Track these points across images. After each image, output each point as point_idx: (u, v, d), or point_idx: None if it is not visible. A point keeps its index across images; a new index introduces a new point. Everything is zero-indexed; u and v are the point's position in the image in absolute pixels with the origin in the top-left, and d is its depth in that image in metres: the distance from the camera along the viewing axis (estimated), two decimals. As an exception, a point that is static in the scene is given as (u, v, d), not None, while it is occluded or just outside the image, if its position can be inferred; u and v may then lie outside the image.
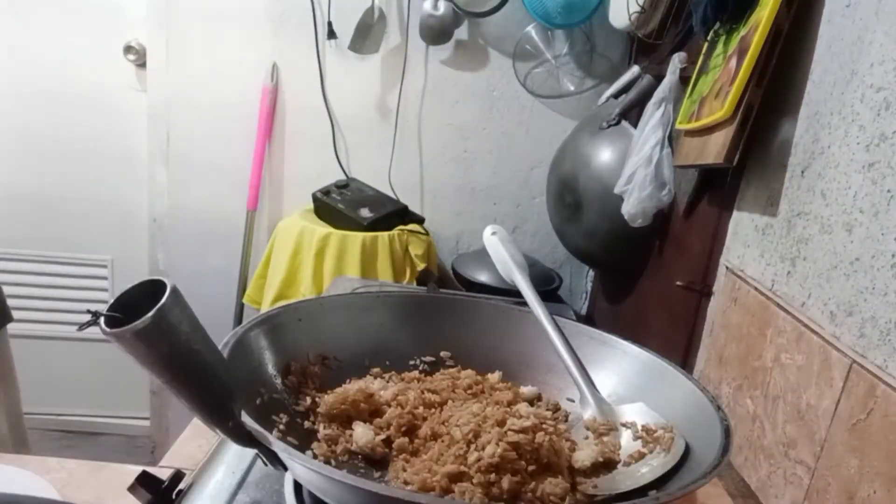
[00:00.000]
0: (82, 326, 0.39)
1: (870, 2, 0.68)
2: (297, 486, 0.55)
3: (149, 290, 0.37)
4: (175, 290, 0.37)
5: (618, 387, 0.65)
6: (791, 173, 0.79)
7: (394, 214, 1.85)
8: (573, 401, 0.66)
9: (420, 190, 2.06)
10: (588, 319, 1.97)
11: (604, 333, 0.69)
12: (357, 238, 1.75)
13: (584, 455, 0.55)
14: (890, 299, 0.57)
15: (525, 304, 0.72)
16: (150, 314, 0.35)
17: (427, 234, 1.91)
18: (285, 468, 0.45)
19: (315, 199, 1.88)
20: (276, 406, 0.57)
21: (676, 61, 1.18)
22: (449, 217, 2.08)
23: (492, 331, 0.72)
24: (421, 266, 1.83)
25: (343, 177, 1.99)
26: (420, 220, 1.91)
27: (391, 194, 1.98)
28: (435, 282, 1.53)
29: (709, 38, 1.01)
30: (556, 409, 0.66)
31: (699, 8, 0.96)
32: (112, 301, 0.38)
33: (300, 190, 1.97)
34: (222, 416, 0.43)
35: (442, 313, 0.74)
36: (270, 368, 0.59)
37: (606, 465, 0.56)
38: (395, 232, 1.81)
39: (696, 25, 1.00)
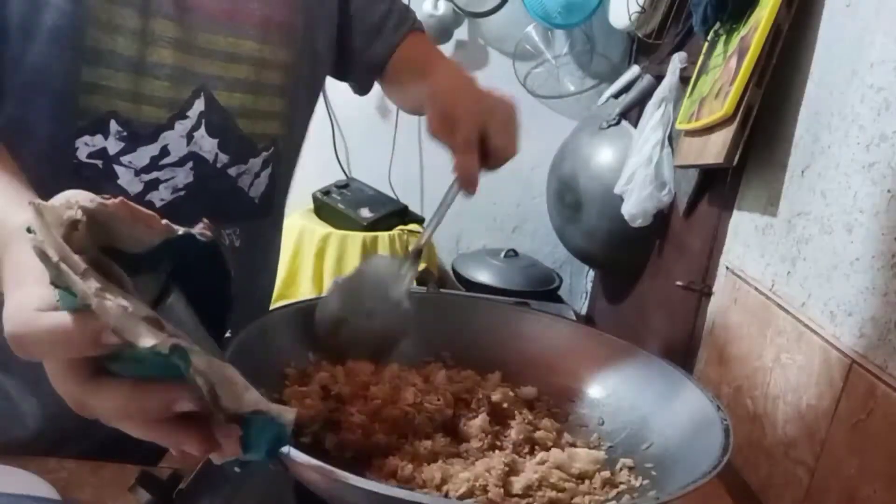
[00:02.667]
0: None
1: (870, 2, 0.68)
2: (298, 486, 0.55)
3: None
4: (177, 292, 0.37)
5: (618, 387, 0.65)
6: (791, 173, 0.79)
7: (394, 214, 1.85)
8: (573, 401, 0.66)
9: (420, 190, 2.06)
10: (588, 319, 1.97)
11: (603, 334, 0.69)
12: (357, 238, 1.75)
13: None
14: (890, 299, 0.57)
15: (526, 304, 0.72)
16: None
17: (427, 234, 1.91)
18: (286, 468, 0.45)
19: (315, 199, 1.88)
20: (277, 404, 0.57)
21: (676, 61, 1.18)
22: (449, 217, 2.07)
23: (492, 330, 0.72)
24: (421, 266, 1.83)
25: (343, 177, 1.99)
26: (420, 220, 1.91)
27: (391, 194, 1.98)
28: (435, 282, 1.53)
29: (709, 38, 1.01)
30: (555, 414, 0.65)
31: (699, 8, 0.96)
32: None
33: (300, 190, 1.97)
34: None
35: (442, 313, 0.74)
36: (271, 368, 0.59)
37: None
38: (395, 232, 1.81)
39: (696, 25, 1.00)
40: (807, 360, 0.67)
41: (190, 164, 0.64)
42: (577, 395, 0.66)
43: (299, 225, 1.81)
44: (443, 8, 1.83)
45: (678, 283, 1.08)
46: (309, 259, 1.76)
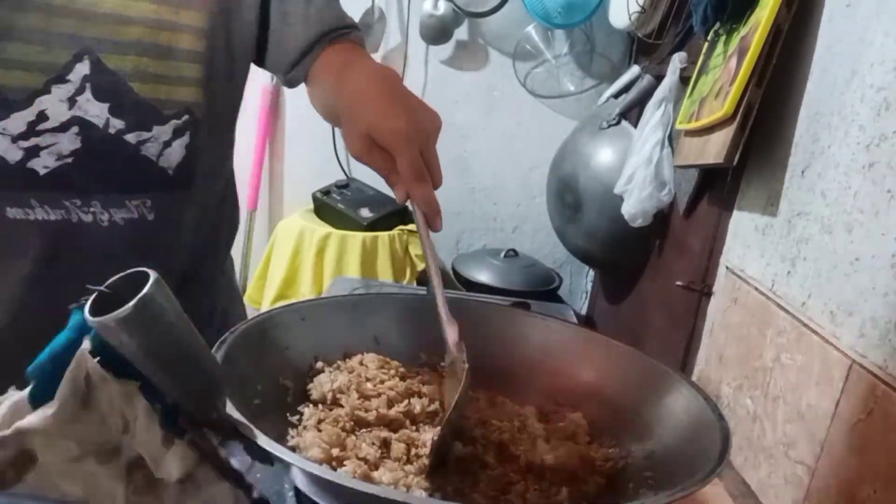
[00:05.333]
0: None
1: (870, 2, 0.68)
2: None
3: (136, 281, 0.38)
4: (159, 281, 0.37)
5: (619, 392, 0.65)
6: (791, 173, 0.79)
7: (394, 214, 1.85)
8: (574, 406, 0.66)
9: (420, 190, 2.06)
10: (588, 319, 1.97)
11: (605, 337, 0.69)
12: (357, 238, 1.75)
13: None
14: (890, 299, 0.57)
15: (526, 304, 0.72)
16: (133, 302, 0.36)
17: (427, 234, 1.91)
18: (272, 463, 0.46)
19: (315, 199, 1.88)
20: (275, 405, 0.57)
21: (676, 61, 1.18)
22: (449, 217, 2.06)
23: (493, 334, 0.72)
24: (421, 266, 1.83)
25: (343, 177, 1.99)
26: (420, 220, 1.91)
27: (391, 194, 1.97)
28: (435, 282, 1.53)
29: (709, 38, 1.01)
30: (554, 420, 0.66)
31: (699, 8, 0.96)
32: (99, 290, 0.38)
33: (300, 190, 1.97)
34: (206, 408, 0.43)
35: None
36: (271, 371, 0.59)
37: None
38: (395, 232, 1.81)
39: (696, 25, 1.00)
40: (807, 360, 0.67)
41: (75, 130, 0.62)
42: (578, 400, 0.66)
43: (299, 225, 1.81)
44: (443, 8, 1.83)
45: (678, 283, 1.08)
46: (309, 259, 1.76)
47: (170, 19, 0.64)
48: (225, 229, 0.84)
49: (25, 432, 0.38)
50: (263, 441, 0.42)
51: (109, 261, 0.64)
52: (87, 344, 0.40)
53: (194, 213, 0.74)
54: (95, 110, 0.63)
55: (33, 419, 0.39)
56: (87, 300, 0.38)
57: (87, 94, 0.62)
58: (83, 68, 0.61)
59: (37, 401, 0.40)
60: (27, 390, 0.41)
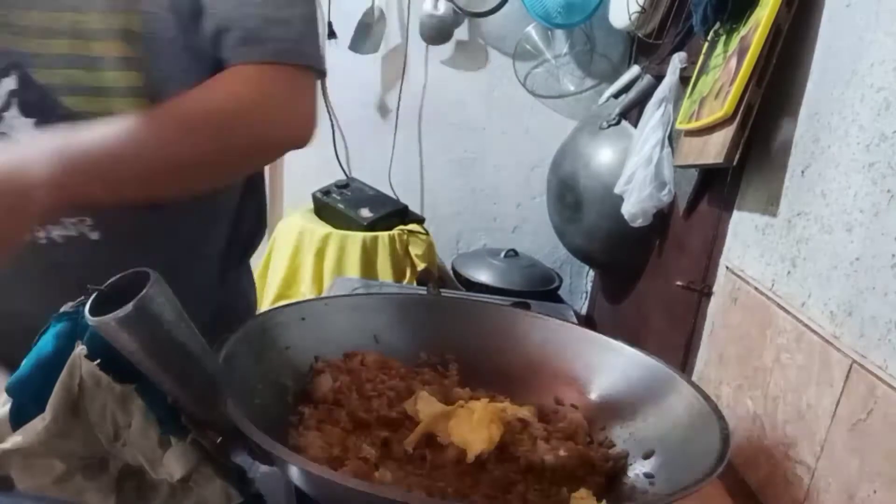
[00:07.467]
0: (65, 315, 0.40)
1: (870, 2, 0.68)
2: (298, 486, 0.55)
3: (135, 281, 0.38)
4: (159, 280, 0.37)
5: (619, 392, 0.65)
6: (791, 173, 0.79)
7: (394, 214, 1.85)
8: (574, 406, 0.66)
9: (420, 190, 2.06)
10: (588, 319, 1.97)
11: (605, 337, 0.69)
12: (357, 238, 1.75)
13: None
14: (890, 299, 0.57)
15: (526, 304, 0.71)
16: (133, 302, 0.36)
17: (427, 234, 1.91)
18: (272, 463, 0.46)
19: (315, 199, 1.88)
20: (275, 405, 0.57)
21: (676, 61, 1.18)
22: (449, 217, 2.08)
23: (492, 334, 0.72)
24: (421, 266, 1.83)
25: (343, 177, 1.99)
26: (420, 220, 1.91)
27: (391, 194, 1.98)
28: (435, 282, 1.53)
29: (709, 38, 1.01)
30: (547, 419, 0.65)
31: (699, 8, 0.96)
32: (98, 290, 0.38)
33: (300, 190, 1.97)
34: (205, 406, 0.43)
35: (443, 315, 0.74)
36: (271, 367, 0.59)
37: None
38: (395, 232, 1.81)
39: (696, 25, 1.00)
40: (807, 360, 0.67)
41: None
42: (578, 400, 0.66)
43: (299, 225, 1.81)
44: (443, 8, 1.83)
45: (678, 283, 1.07)
46: (309, 259, 1.76)
47: (98, 28, 0.60)
48: (214, 253, 0.75)
49: (3, 455, 0.38)
50: (263, 441, 0.42)
51: (49, 276, 0.60)
52: (81, 348, 0.40)
53: (159, 228, 0.68)
54: (21, 126, 0.60)
55: (18, 439, 0.38)
56: (72, 307, 0.38)
57: (14, 111, 0.59)
58: (10, 83, 0.59)
59: (20, 418, 0.40)
60: (4, 408, 0.40)
